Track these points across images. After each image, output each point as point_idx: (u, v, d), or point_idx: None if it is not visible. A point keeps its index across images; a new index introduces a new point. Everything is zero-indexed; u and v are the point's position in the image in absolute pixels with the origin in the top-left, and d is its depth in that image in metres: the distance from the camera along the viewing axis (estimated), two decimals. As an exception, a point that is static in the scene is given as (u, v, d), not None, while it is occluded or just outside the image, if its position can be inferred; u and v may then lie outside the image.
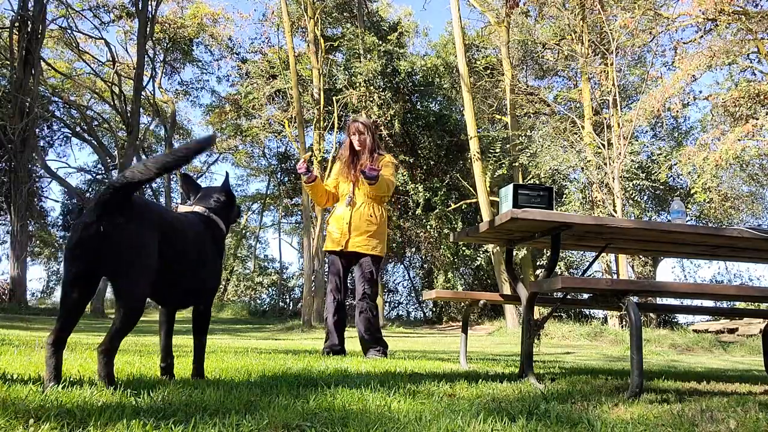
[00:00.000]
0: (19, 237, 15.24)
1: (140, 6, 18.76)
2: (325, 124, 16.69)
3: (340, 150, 4.19)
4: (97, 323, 11.26)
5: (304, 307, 14.06)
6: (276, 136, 21.80)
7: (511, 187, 2.49)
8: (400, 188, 16.78)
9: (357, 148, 3.94)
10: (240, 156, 23.89)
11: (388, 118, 16.34)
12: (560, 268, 15.34)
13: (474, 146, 13.70)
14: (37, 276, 66.44)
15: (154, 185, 23.79)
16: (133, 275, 1.62)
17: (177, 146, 1.75)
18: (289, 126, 17.83)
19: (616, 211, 12.06)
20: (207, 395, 1.60)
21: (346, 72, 17.04)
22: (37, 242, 22.09)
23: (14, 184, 15.32)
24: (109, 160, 22.15)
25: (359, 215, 3.83)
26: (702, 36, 13.62)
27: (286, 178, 23.35)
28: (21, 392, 1.48)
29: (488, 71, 17.00)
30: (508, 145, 14.78)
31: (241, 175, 26.36)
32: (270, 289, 23.87)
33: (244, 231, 25.51)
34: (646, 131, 18.12)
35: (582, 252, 15.66)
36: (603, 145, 12.67)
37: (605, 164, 12.49)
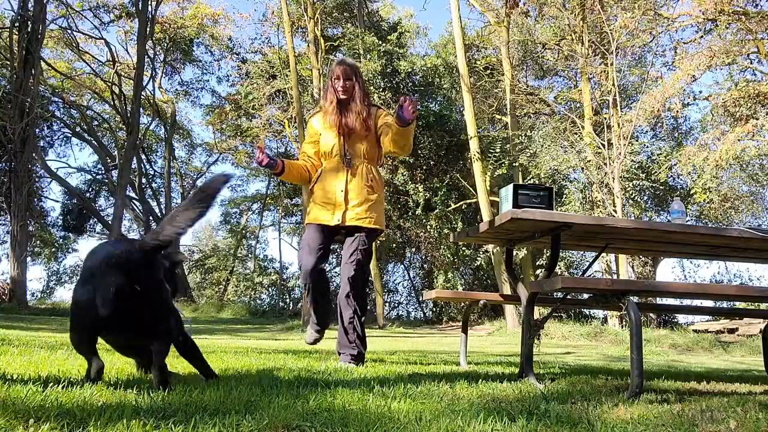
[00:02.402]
0: (19, 237, 15.24)
1: (140, 6, 18.76)
2: (325, 124, 16.68)
3: (321, 102, 3.31)
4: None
5: (304, 307, 14.05)
6: (276, 136, 21.80)
7: (511, 187, 2.49)
8: (400, 188, 16.79)
9: (341, 96, 3.06)
10: (240, 156, 23.89)
11: (388, 119, 16.32)
12: (560, 268, 15.33)
13: (474, 146, 13.70)
14: (37, 276, 66.37)
15: (154, 185, 23.84)
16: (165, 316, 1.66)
17: (200, 188, 1.68)
18: (289, 126, 17.83)
19: (616, 211, 12.06)
20: (207, 395, 1.60)
21: (346, 72, 17.01)
22: (37, 242, 22.08)
23: (14, 184, 15.32)
24: (109, 160, 22.15)
25: (359, 180, 3.03)
26: (702, 36, 13.62)
27: (286, 179, 23.34)
28: (21, 392, 1.48)
29: (488, 71, 16.99)
30: (508, 145, 14.78)
31: (241, 176, 26.39)
32: (270, 289, 23.87)
33: (244, 231, 25.52)
34: (646, 131, 18.13)
35: (582, 252, 15.66)
36: (603, 145, 12.68)
37: (605, 164, 12.49)
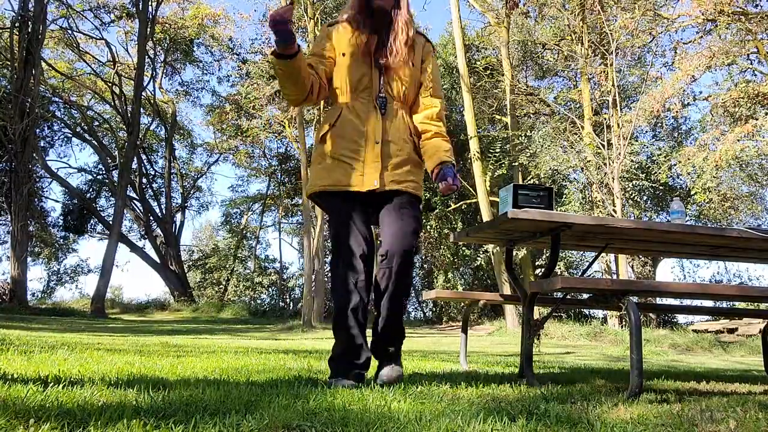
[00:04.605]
0: (20, 237, 15.24)
1: (141, 6, 18.77)
2: (325, 124, 16.68)
3: (346, 9, 2.28)
4: (97, 323, 11.26)
5: (304, 307, 14.06)
6: (276, 137, 21.80)
7: (511, 187, 2.49)
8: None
9: (380, 1, 2.14)
10: (240, 156, 23.90)
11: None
12: (560, 268, 15.34)
13: (474, 146, 13.70)
14: (37, 276, 66.42)
15: (154, 185, 23.84)
16: None
17: None
18: (289, 126, 17.83)
19: (615, 212, 12.06)
20: (207, 395, 1.61)
21: (346, 72, 17.01)
22: (38, 242, 22.08)
23: (14, 184, 15.33)
24: (109, 161, 22.16)
25: (397, 130, 2.18)
26: (702, 36, 13.62)
27: (287, 179, 23.35)
28: (21, 392, 1.48)
29: (488, 71, 16.99)
30: (508, 145, 14.78)
31: (241, 176, 26.38)
32: (270, 289, 23.88)
33: (244, 231, 25.52)
34: (646, 131, 18.13)
35: (582, 252, 15.66)
36: (603, 146, 12.68)
37: (605, 164, 12.50)
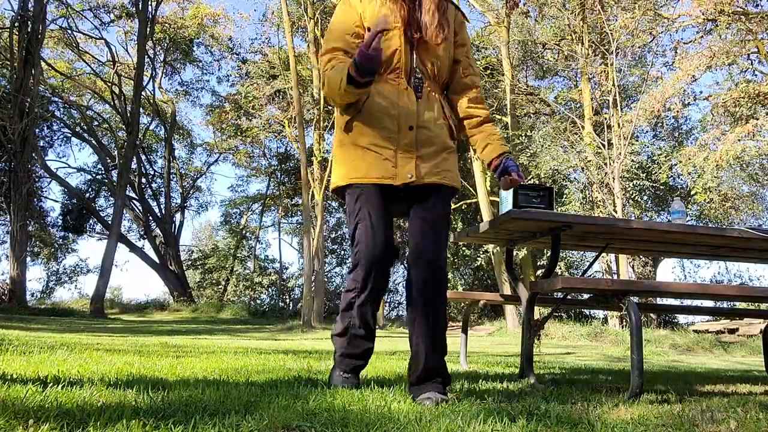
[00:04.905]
0: (19, 237, 15.24)
1: (140, 6, 18.78)
2: (325, 124, 16.69)
3: None
4: (96, 324, 11.26)
5: (304, 307, 14.06)
6: (276, 137, 21.80)
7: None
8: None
9: None
10: (240, 156, 23.90)
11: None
12: (560, 268, 15.35)
13: (474, 146, 13.70)
14: (36, 276, 66.49)
15: (154, 185, 23.85)
16: None
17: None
18: (289, 126, 17.83)
19: (616, 211, 12.06)
20: (207, 395, 1.60)
21: (346, 72, 17.02)
22: (37, 242, 22.08)
23: (14, 184, 15.33)
24: (109, 161, 22.15)
25: (432, 113, 1.91)
26: (702, 36, 13.63)
27: (286, 179, 23.34)
28: (21, 392, 1.48)
29: (488, 71, 16.99)
30: (508, 145, 14.79)
31: (241, 176, 26.38)
32: (270, 289, 23.88)
33: (244, 231, 25.53)
34: (647, 131, 18.14)
35: (582, 252, 15.66)
36: (603, 145, 12.69)
37: (605, 164, 12.50)
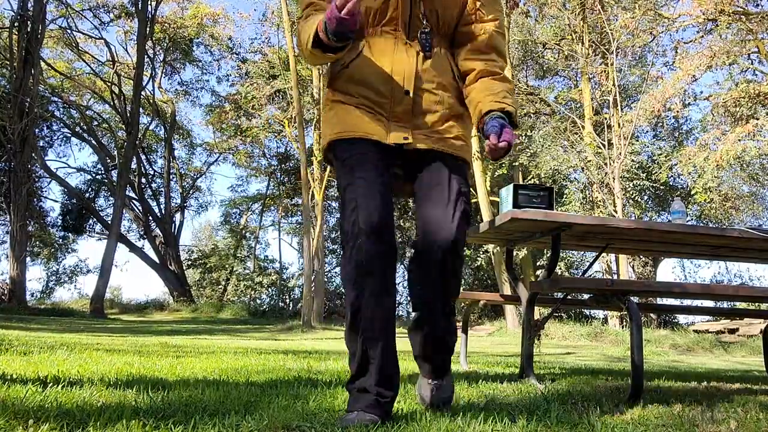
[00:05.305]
0: (19, 237, 15.24)
1: (140, 6, 18.77)
2: (325, 124, 16.68)
3: None
4: (96, 324, 11.26)
5: (304, 307, 14.05)
6: (276, 137, 21.80)
7: (511, 187, 2.49)
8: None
9: None
10: (240, 156, 23.90)
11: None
12: (560, 269, 15.34)
13: (474, 146, 13.70)
14: (36, 276, 66.50)
15: (153, 185, 23.85)
16: None
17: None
18: (289, 126, 17.83)
19: (616, 211, 12.06)
20: (207, 395, 1.60)
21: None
22: (37, 242, 22.08)
23: (14, 184, 15.33)
24: (108, 160, 22.15)
25: (437, 74, 1.55)
26: (702, 36, 13.63)
27: (286, 179, 23.34)
28: (21, 392, 1.47)
29: (488, 71, 16.98)
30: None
31: (241, 176, 26.38)
32: (270, 289, 23.88)
33: (243, 231, 25.53)
34: (647, 131, 18.14)
35: (582, 252, 15.66)
36: (603, 145, 12.69)
37: (605, 164, 12.50)
